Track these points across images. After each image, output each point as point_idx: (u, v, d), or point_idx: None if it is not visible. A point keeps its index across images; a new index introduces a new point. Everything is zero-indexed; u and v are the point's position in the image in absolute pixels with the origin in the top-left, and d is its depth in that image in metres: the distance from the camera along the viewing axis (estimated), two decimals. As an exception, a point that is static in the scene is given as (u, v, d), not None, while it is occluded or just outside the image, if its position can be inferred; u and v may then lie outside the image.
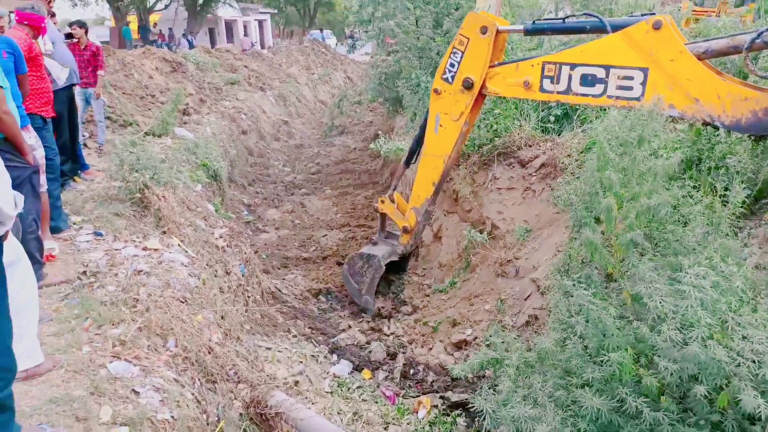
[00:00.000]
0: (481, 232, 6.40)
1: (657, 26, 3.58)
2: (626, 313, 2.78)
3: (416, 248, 6.72)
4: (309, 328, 5.88)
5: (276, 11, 45.95)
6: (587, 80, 3.93)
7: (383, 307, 6.41)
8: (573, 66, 3.95)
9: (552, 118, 6.73)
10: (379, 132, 12.18)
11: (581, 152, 5.70)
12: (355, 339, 5.70)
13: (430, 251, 7.31)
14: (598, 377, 2.40)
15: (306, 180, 12.54)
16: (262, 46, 37.62)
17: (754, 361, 1.98)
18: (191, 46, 23.49)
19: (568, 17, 4.27)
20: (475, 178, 6.78)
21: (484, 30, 4.43)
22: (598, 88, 3.91)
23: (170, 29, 28.29)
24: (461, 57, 4.59)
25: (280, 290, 6.63)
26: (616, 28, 3.85)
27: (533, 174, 6.21)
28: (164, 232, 4.69)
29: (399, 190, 6.90)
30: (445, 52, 4.90)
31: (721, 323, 2.06)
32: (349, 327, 5.97)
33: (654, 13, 3.88)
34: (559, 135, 6.53)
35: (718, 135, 4.25)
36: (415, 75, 8.79)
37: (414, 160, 5.65)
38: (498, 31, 4.45)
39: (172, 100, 9.98)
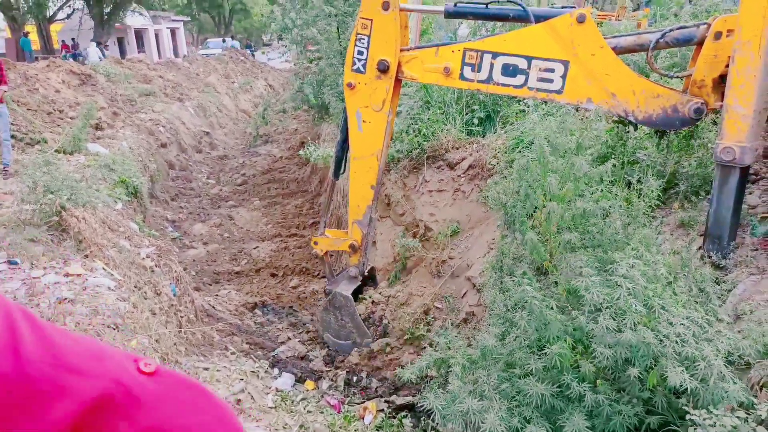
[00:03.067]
0: (414, 235, 6.52)
1: (581, 19, 3.61)
2: (562, 305, 2.95)
3: (373, 269, 6.04)
4: (247, 343, 5.75)
5: (189, 19, 44.49)
6: (509, 70, 3.84)
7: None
8: (495, 55, 3.86)
9: (476, 121, 6.97)
10: (307, 139, 12.10)
11: (505, 152, 5.95)
12: (295, 350, 5.63)
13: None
14: (540, 367, 2.52)
15: (232, 192, 12.22)
16: (176, 55, 36.29)
17: (677, 341, 2.16)
18: (104, 54, 22.26)
19: (491, 2, 4.13)
20: (406, 182, 6.89)
21: (386, 6, 4.12)
22: (520, 79, 3.84)
23: (73, 39, 26.68)
24: (368, 41, 4.24)
25: (214, 307, 6.43)
26: (539, 18, 3.82)
27: (462, 175, 6.40)
28: (86, 256, 4.43)
29: (333, 204, 6.76)
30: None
31: (648, 309, 2.23)
32: (289, 339, 5.89)
33: (575, 6, 3.97)
34: (483, 137, 6.78)
35: (628, 132, 4.58)
36: (340, 81, 8.81)
37: (343, 169, 5.18)
38: (401, 9, 4.18)
39: (83, 115, 9.42)
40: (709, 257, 3.27)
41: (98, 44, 23.21)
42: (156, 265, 5.26)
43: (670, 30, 3.66)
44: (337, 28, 10.67)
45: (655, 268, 2.47)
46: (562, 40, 3.66)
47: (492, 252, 5.08)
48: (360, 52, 4.32)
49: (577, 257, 3.18)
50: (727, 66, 3.19)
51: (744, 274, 3.10)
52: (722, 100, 3.22)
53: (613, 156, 4.51)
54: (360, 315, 5.42)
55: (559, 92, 3.77)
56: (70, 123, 9.40)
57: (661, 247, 3.52)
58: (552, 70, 3.73)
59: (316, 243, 5.43)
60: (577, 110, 5.92)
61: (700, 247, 3.41)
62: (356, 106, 4.53)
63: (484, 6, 4.06)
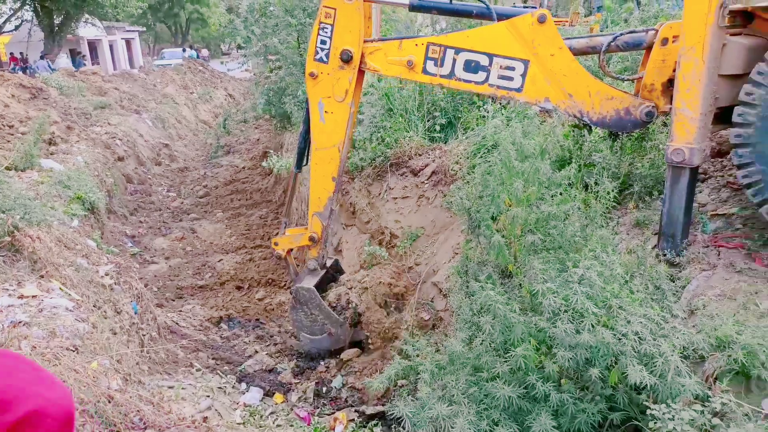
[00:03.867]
0: (380, 242, 6.53)
1: (542, 20, 3.68)
2: (526, 307, 3.00)
3: (337, 261, 5.99)
4: (213, 359, 5.64)
5: (144, 29, 43.59)
6: (471, 66, 3.87)
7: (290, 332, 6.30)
8: (458, 50, 3.87)
9: (438, 128, 7.04)
10: (269, 149, 12.00)
11: (467, 158, 6.03)
12: (263, 363, 5.55)
13: (332, 266, 7.31)
14: (506, 369, 2.56)
15: (194, 204, 12.00)
16: (132, 66, 35.48)
17: (636, 339, 2.23)
18: (74, 64, 21.63)
19: None
20: (371, 190, 6.90)
21: None
22: (481, 76, 3.87)
23: (22, 53, 25.77)
24: (331, 31, 4.20)
25: (177, 323, 6.29)
26: (502, 16, 3.87)
27: (425, 182, 6.45)
28: (42, 276, 4.27)
29: (297, 198, 6.63)
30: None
31: (607, 309, 2.29)
32: (256, 352, 5.81)
33: (536, 7, 4.05)
34: (445, 143, 6.85)
35: (583, 136, 4.72)
36: (302, 91, 8.79)
37: (305, 161, 5.08)
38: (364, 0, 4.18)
39: (35, 130, 9.10)
40: (664, 255, 3.38)
41: (42, 57, 22.52)
42: (116, 283, 5.11)
43: (621, 34, 3.78)
44: (297, 38, 10.64)
45: (612, 269, 2.55)
46: (523, 39, 3.72)
47: (457, 257, 5.13)
48: (323, 42, 4.27)
49: (539, 260, 3.25)
50: (675, 70, 3.32)
51: (697, 271, 3.22)
52: (671, 104, 3.35)
53: (571, 159, 4.64)
54: (328, 303, 5.35)
55: (518, 90, 3.83)
56: (22, 139, 9.06)
57: (618, 247, 3.63)
58: (513, 69, 3.79)
59: (276, 244, 5.36)
60: (537, 115, 6.06)
61: (655, 246, 3.52)
62: (318, 96, 4.46)
63: (448, 1, 4.08)
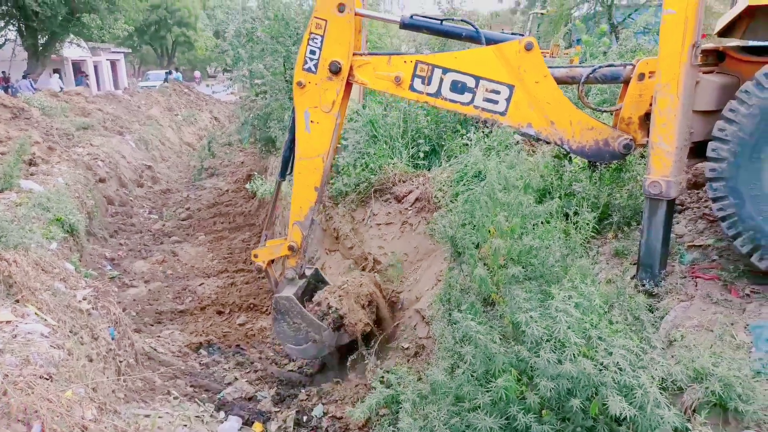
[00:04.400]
0: (363, 268, 6.52)
1: (528, 47, 3.78)
2: (508, 337, 3.02)
3: (317, 270, 5.84)
4: (191, 386, 5.53)
5: (130, 51, 43.61)
6: (457, 87, 3.95)
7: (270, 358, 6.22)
8: (446, 70, 3.95)
9: (421, 154, 7.12)
10: (253, 172, 11.99)
11: (450, 185, 6.09)
12: (242, 391, 5.45)
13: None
14: (487, 400, 2.56)
15: (176, 227, 11.89)
16: (116, 87, 35.36)
17: (616, 370, 2.25)
18: (65, 84, 21.58)
19: (446, 20, 4.23)
20: (354, 216, 6.92)
21: (341, 8, 4.15)
22: (467, 97, 3.95)
23: (4, 72, 25.59)
24: (321, 41, 4.24)
25: (156, 349, 6.17)
26: (490, 41, 3.98)
27: (409, 208, 6.49)
28: (17, 301, 4.17)
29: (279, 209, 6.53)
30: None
31: (587, 340, 2.32)
32: (236, 379, 5.71)
33: (523, 34, 4.14)
34: (429, 170, 6.92)
35: (563, 166, 4.81)
36: (287, 116, 8.84)
37: (290, 170, 5.07)
38: (356, 14, 4.21)
39: (16, 150, 9.00)
40: (643, 285, 3.43)
41: (25, 76, 22.39)
42: (93, 308, 5.01)
43: (600, 67, 3.89)
44: (284, 64, 10.75)
45: (591, 299, 2.58)
46: (509, 65, 3.80)
47: (440, 284, 5.14)
48: (312, 52, 4.30)
49: (521, 289, 3.28)
50: (651, 105, 3.42)
51: (675, 301, 3.27)
52: (648, 137, 3.44)
53: (551, 189, 4.72)
54: (310, 311, 5.24)
55: (502, 114, 3.90)
56: (1, 159, 8.95)
57: (598, 276, 3.68)
58: (498, 92, 3.87)
59: (256, 256, 5.29)
60: (519, 144, 6.16)
61: (634, 276, 3.58)
62: (305, 106, 4.49)
63: (439, 22, 4.16)
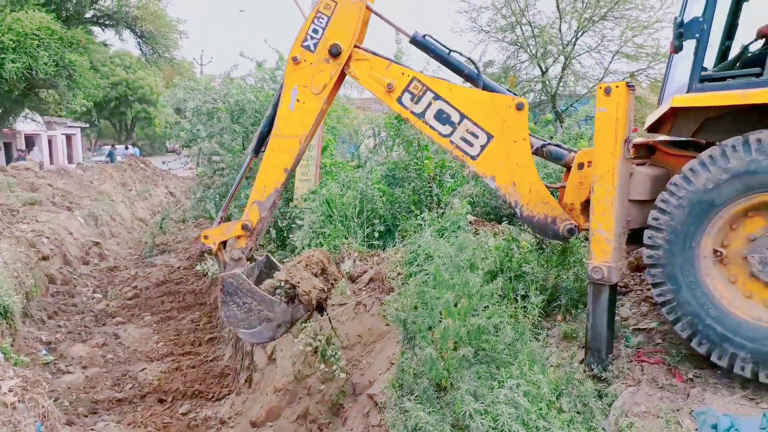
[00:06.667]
0: (315, 350, 6.33)
1: (519, 107, 3.82)
2: (460, 425, 2.94)
3: (268, 256, 5.37)
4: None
5: (87, 125, 43.36)
6: (442, 116, 3.98)
7: None
8: (437, 97, 3.99)
9: (376, 234, 7.17)
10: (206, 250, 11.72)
11: (404, 266, 6.12)
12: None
13: (264, 375, 6.97)
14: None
15: (121, 306, 11.35)
16: (70, 161, 34.77)
17: (565, 464, 2.20)
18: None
19: (454, 51, 4.22)
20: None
21: None
22: (447, 129, 3.98)
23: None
24: (327, 22, 4.16)
25: (87, 444, 5.70)
26: (486, 87, 4.02)
27: (363, 288, 6.44)
28: (-68, 394, 3.82)
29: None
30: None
31: (535, 431, 2.28)
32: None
33: (516, 94, 4.22)
34: (383, 250, 6.96)
35: (512, 249, 4.92)
36: (245, 195, 8.82)
37: (264, 147, 4.79)
38: (368, 7, 4.20)
39: (-48, 226, 8.58)
40: (591, 370, 3.45)
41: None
42: (20, 400, 4.62)
43: (550, 143, 4.07)
44: (242, 142, 10.87)
45: (539, 387, 2.57)
46: (496, 116, 3.88)
47: (393, 368, 5.03)
48: (315, 31, 4.22)
49: (472, 374, 3.24)
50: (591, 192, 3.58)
51: (623, 386, 3.29)
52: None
53: (502, 271, 4.79)
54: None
55: (473, 158, 3.93)
56: (-66, 235, 8.50)
57: (549, 360, 3.68)
58: (477, 136, 3.92)
59: (206, 237, 4.88)
60: (470, 225, 6.28)
61: (582, 360, 3.60)
62: (295, 83, 4.35)
63: (448, 51, 4.19)
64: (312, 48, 4.26)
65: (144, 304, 11.46)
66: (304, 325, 6.39)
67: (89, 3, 22.09)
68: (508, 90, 4.22)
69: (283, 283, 4.77)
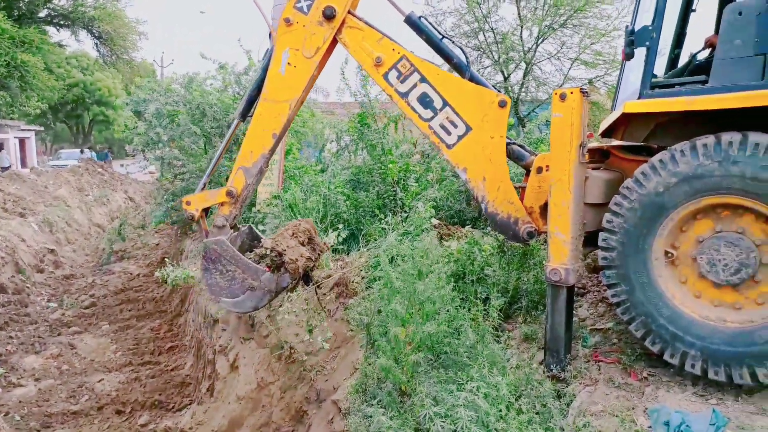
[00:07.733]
0: (279, 357, 6.26)
1: (502, 104, 3.81)
2: (422, 430, 2.94)
3: (251, 227, 5.16)
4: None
5: (42, 128, 41.89)
6: (425, 100, 3.95)
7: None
8: (424, 79, 3.94)
9: (341, 239, 7.13)
10: (168, 255, 11.49)
11: (368, 270, 6.11)
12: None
13: (227, 384, 6.84)
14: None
15: (77, 316, 10.99)
16: (24, 166, 33.49)
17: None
18: None
19: (446, 37, 4.18)
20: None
21: None
22: (428, 113, 3.95)
23: None
24: None
25: (40, 460, 5.48)
26: (473, 79, 4.00)
27: (327, 293, 6.39)
28: None
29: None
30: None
31: (493, 433, 2.30)
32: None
33: (501, 91, 4.19)
34: (347, 254, 6.93)
35: (474, 252, 4.97)
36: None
37: (252, 111, 4.61)
38: None
39: None
40: (550, 370, 3.51)
41: None
42: (-35, 416, 4.42)
43: (514, 143, 4.11)
44: (204, 146, 10.69)
45: (499, 389, 2.60)
46: (478, 109, 3.87)
47: (357, 373, 5.01)
48: None
49: (434, 378, 3.25)
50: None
51: (581, 386, 3.35)
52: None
53: (464, 274, 4.84)
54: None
55: (449, 147, 3.93)
56: None
57: (510, 362, 3.73)
58: (456, 126, 3.90)
59: (188, 203, 4.68)
60: (433, 228, 6.30)
61: (541, 362, 3.66)
62: (286, 46, 4.22)
63: (441, 37, 4.16)
64: (305, 9, 4.14)
65: (102, 312, 11.13)
66: (288, 294, 6.20)
67: (43, 2, 21.41)
68: (494, 87, 4.20)
69: (269, 251, 4.63)
